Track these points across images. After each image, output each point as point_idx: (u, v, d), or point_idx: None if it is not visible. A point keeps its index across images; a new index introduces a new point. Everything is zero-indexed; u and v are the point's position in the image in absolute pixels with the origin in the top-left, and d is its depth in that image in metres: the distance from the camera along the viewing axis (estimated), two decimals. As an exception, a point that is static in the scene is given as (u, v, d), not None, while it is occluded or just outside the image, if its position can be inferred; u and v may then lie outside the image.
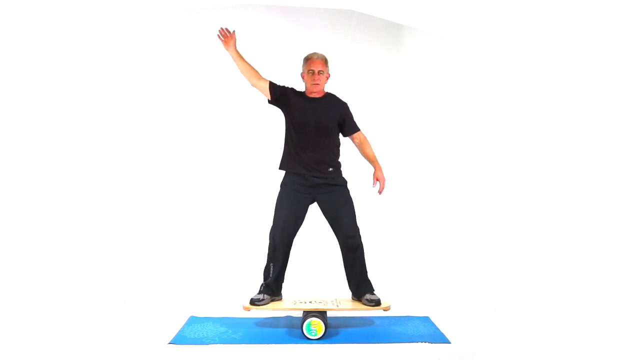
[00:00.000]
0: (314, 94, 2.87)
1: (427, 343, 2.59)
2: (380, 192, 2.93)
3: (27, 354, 2.03)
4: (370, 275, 2.93)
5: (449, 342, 2.62)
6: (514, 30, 2.24)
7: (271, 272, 2.86)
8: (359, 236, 2.86)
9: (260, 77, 2.88)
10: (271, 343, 2.62)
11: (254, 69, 2.88)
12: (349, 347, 2.57)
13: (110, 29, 2.38)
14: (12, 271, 2.05)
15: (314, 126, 2.82)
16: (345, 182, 2.93)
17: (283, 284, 2.93)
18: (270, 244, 2.87)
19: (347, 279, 2.91)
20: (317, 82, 2.82)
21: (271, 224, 2.88)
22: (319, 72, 2.82)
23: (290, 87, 2.92)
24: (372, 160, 2.96)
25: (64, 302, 2.17)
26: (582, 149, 1.92)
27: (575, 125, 1.95)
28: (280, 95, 2.87)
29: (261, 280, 2.92)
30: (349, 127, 2.93)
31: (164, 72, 3.87)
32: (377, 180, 2.91)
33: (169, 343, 2.60)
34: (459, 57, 2.57)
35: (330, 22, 4.18)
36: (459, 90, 2.72)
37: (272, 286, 2.87)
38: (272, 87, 2.87)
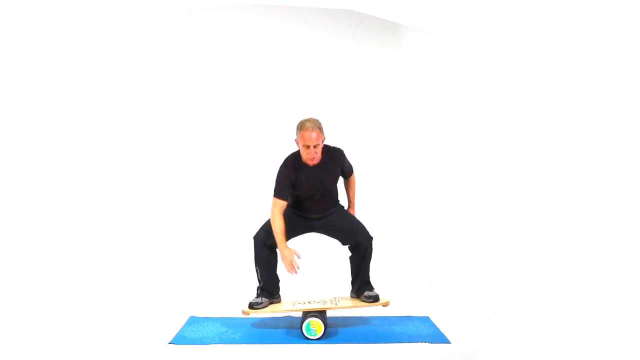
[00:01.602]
0: (312, 163, 2.77)
1: (427, 343, 2.59)
2: None
3: (27, 354, 2.03)
4: (371, 275, 2.94)
5: (449, 342, 2.62)
6: (514, 30, 2.24)
7: (259, 275, 2.87)
8: (370, 238, 2.87)
9: (282, 214, 2.76)
10: (271, 343, 2.62)
11: (282, 228, 2.73)
12: (349, 347, 2.57)
13: (110, 29, 2.38)
14: (13, 271, 2.05)
15: (320, 192, 2.83)
16: (342, 206, 2.98)
17: (280, 285, 2.93)
18: (254, 247, 2.86)
19: (353, 280, 2.93)
20: (314, 157, 2.71)
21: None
22: (315, 147, 2.68)
23: (288, 171, 2.77)
24: (350, 200, 3.05)
25: (64, 302, 2.17)
26: (582, 149, 1.92)
27: (575, 125, 1.94)
28: (291, 189, 2.79)
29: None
30: (347, 172, 2.97)
31: (164, 72, 3.87)
32: None
33: (169, 343, 2.61)
34: (459, 57, 2.57)
35: (330, 22, 4.18)
36: (458, 90, 2.72)
37: (267, 289, 2.87)
38: (287, 196, 2.78)
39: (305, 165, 2.75)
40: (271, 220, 2.75)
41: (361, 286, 2.89)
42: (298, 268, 2.69)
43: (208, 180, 4.10)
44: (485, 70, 2.43)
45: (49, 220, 2.16)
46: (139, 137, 3.42)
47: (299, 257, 2.71)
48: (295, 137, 2.74)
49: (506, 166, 2.35)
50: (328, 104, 4.19)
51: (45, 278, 2.13)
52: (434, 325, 2.89)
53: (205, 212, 4.07)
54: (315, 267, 3.68)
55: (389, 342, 2.62)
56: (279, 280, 2.91)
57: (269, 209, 2.90)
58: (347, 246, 2.94)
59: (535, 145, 2.15)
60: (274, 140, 3.96)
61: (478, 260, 3.00)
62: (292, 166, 2.78)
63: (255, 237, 2.86)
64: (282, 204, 2.76)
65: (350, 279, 2.96)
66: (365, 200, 3.21)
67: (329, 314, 2.88)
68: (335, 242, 2.98)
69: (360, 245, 2.84)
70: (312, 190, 2.81)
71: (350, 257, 2.91)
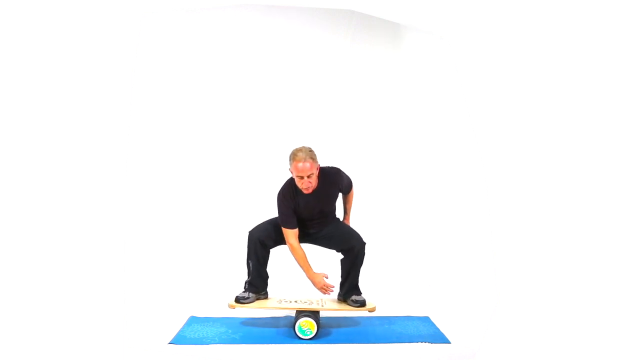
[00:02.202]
0: (308, 192, 2.77)
1: (427, 343, 2.59)
2: None
3: (27, 354, 2.03)
4: (370, 276, 2.93)
5: (449, 342, 2.62)
6: (514, 30, 2.24)
7: (250, 268, 2.88)
8: (364, 243, 2.87)
9: (300, 247, 2.80)
10: (271, 343, 2.62)
11: (304, 260, 2.81)
12: (349, 347, 2.57)
13: (110, 29, 2.38)
14: (13, 271, 2.05)
15: (318, 214, 2.85)
16: (338, 218, 2.98)
17: (269, 281, 2.93)
18: (248, 242, 2.88)
19: (342, 282, 2.93)
20: (308, 186, 2.70)
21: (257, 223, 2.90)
22: (309, 176, 2.66)
23: (287, 201, 2.77)
24: (346, 212, 3.07)
25: (64, 302, 2.17)
26: (582, 149, 1.92)
27: (576, 124, 1.94)
28: (295, 217, 2.80)
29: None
30: (346, 190, 2.97)
31: (164, 72, 3.87)
32: None
33: (169, 343, 2.60)
34: (459, 57, 2.57)
35: (330, 22, 4.18)
36: (459, 90, 2.72)
37: (255, 283, 2.88)
38: (293, 225, 2.79)
39: (302, 192, 2.74)
40: (291, 252, 2.80)
41: (349, 290, 2.89)
42: (333, 287, 2.80)
43: (208, 180, 4.10)
44: (485, 70, 2.43)
45: (49, 220, 2.16)
46: (139, 137, 3.43)
47: (327, 278, 2.81)
48: (288, 166, 2.73)
49: (506, 166, 2.35)
50: (328, 103, 4.20)
51: (46, 278, 2.13)
52: (434, 325, 2.89)
53: (205, 212, 4.07)
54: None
55: (389, 342, 2.62)
56: (267, 277, 2.92)
57: (268, 208, 2.91)
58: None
59: (535, 145, 2.15)
60: (273, 140, 3.97)
61: (478, 260, 3.00)
62: (289, 195, 2.78)
63: (250, 232, 2.88)
64: (294, 231, 2.78)
65: (339, 281, 2.94)
66: (365, 200, 3.22)
67: (328, 314, 2.88)
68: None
69: (352, 249, 2.84)
70: (311, 214, 2.83)
71: (342, 260, 2.91)
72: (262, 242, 2.83)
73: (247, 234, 2.89)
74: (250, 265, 2.88)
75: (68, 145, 2.23)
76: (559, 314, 1.99)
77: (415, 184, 4.16)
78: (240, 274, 2.93)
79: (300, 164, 2.64)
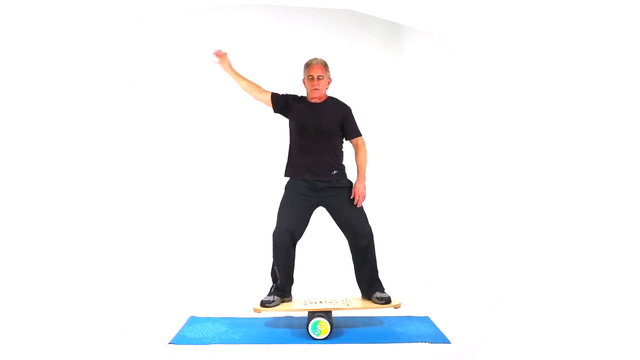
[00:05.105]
0: (315, 99, 2.88)
1: (427, 343, 2.59)
2: (358, 205, 2.88)
3: (27, 354, 2.03)
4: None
5: (449, 342, 2.62)
6: (514, 31, 2.25)
7: (277, 274, 2.87)
8: (370, 236, 2.87)
9: (261, 90, 2.93)
10: (271, 343, 2.62)
11: (254, 84, 2.94)
12: (349, 347, 2.57)
13: (110, 29, 2.38)
14: (13, 271, 2.05)
15: (316, 130, 2.83)
16: (351, 183, 2.92)
17: (293, 285, 2.93)
18: (273, 246, 2.87)
19: (357, 279, 2.92)
20: (317, 88, 2.84)
21: (274, 225, 2.88)
22: (319, 78, 2.84)
23: (292, 94, 2.95)
24: (359, 172, 2.94)
25: (65, 302, 2.17)
26: (582, 149, 1.92)
27: (575, 125, 1.95)
28: (283, 105, 2.92)
29: (264, 281, 2.92)
30: (350, 130, 2.93)
31: (164, 72, 3.87)
32: (354, 193, 2.87)
33: (169, 343, 2.61)
34: (459, 58, 2.57)
35: (330, 22, 4.18)
36: (459, 91, 2.73)
37: (281, 288, 2.87)
38: (274, 98, 2.92)
39: (308, 102, 2.89)
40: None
41: (370, 285, 2.88)
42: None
43: (207, 180, 4.10)
44: (485, 71, 2.43)
45: (50, 220, 2.16)
46: (139, 137, 3.42)
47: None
48: (302, 77, 2.91)
49: (506, 166, 2.35)
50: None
51: (46, 278, 2.13)
52: (434, 325, 2.89)
53: (205, 212, 4.07)
54: (327, 266, 3.69)
55: (389, 342, 2.62)
56: (292, 282, 2.92)
57: (270, 209, 2.90)
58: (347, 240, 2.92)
59: (535, 145, 2.15)
60: (273, 141, 3.96)
61: (478, 260, 3.00)
62: (294, 96, 2.94)
63: (274, 236, 2.85)
64: (267, 92, 2.93)
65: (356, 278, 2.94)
66: (365, 200, 3.21)
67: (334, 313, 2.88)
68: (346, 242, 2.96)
69: (353, 241, 2.85)
70: (307, 123, 2.83)
71: (353, 258, 2.90)
72: (292, 237, 2.82)
73: (271, 238, 2.86)
74: (277, 271, 2.87)
75: (68, 145, 2.23)
76: (559, 313, 1.99)
77: (415, 184, 4.16)
78: (241, 274, 2.93)
79: (314, 62, 2.87)
